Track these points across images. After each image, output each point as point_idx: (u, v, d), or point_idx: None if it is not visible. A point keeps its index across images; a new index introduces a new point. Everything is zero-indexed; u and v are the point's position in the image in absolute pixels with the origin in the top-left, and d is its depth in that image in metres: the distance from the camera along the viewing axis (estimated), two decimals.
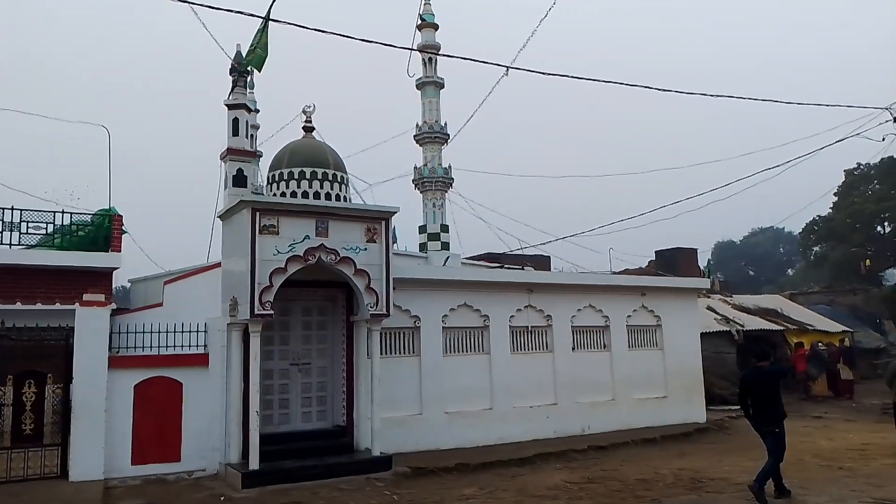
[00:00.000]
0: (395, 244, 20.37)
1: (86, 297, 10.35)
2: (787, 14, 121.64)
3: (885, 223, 39.07)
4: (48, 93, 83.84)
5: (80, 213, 11.02)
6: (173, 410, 10.76)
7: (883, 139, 18.57)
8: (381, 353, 11.76)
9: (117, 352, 10.59)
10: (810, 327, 25.29)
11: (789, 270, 66.86)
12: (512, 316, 13.97)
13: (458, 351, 13.41)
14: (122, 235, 10.91)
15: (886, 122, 18.37)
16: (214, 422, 10.91)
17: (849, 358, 22.54)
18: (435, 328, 13.08)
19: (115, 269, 10.75)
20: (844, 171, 42.19)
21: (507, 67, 12.63)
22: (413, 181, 25.44)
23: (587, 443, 13.18)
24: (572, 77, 12.68)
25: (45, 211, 10.61)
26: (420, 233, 24.95)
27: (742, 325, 22.91)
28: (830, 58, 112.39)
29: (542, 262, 27.56)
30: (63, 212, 10.74)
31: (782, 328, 24.01)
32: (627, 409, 14.90)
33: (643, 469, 11.19)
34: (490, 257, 25.93)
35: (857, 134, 18.60)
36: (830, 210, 41.25)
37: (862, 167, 41.37)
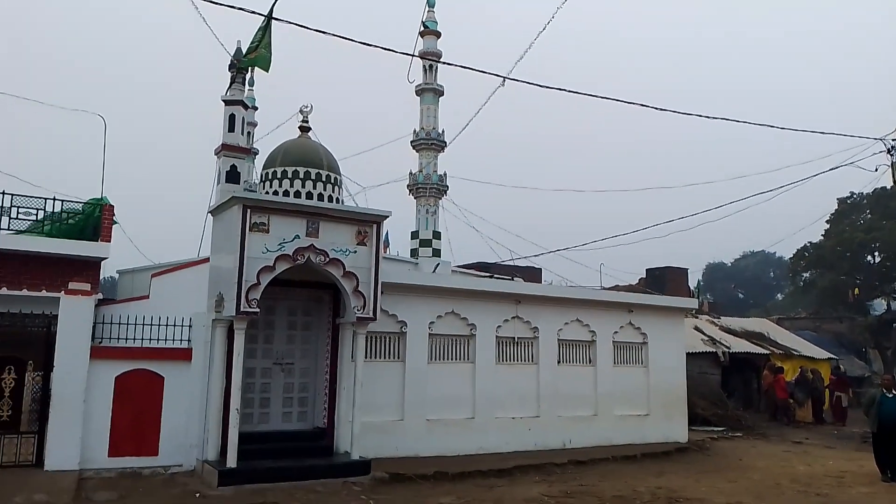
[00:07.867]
0: (386, 249, 20.41)
1: (71, 285, 10.27)
2: (790, 43, 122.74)
3: (875, 253, 39.19)
4: (47, 83, 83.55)
5: (71, 202, 10.97)
6: (153, 404, 10.68)
7: (876, 169, 18.73)
8: (366, 357, 11.71)
9: (100, 342, 10.51)
10: (795, 352, 25.38)
11: (778, 295, 67.08)
12: (499, 326, 13.96)
13: (443, 358, 13.38)
14: (113, 226, 10.86)
15: (880, 152, 18.52)
16: (193, 418, 10.84)
17: (847, 385, 23.02)
18: (421, 334, 13.06)
19: (104, 259, 10.68)
20: (837, 199, 42.34)
21: (504, 78, 12.69)
22: (407, 186, 25.46)
23: (567, 457, 13.17)
24: (567, 91, 12.74)
25: (35, 197, 10.54)
26: (412, 238, 24.94)
27: (728, 347, 22.96)
28: (831, 87, 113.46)
29: (533, 274, 27.62)
30: (54, 199, 10.69)
31: (768, 352, 24.09)
32: (609, 425, 14.89)
33: (621, 486, 11.18)
34: (481, 266, 25.97)
35: (851, 163, 18.75)
36: (821, 237, 41.35)
37: (854, 196, 41.48)
